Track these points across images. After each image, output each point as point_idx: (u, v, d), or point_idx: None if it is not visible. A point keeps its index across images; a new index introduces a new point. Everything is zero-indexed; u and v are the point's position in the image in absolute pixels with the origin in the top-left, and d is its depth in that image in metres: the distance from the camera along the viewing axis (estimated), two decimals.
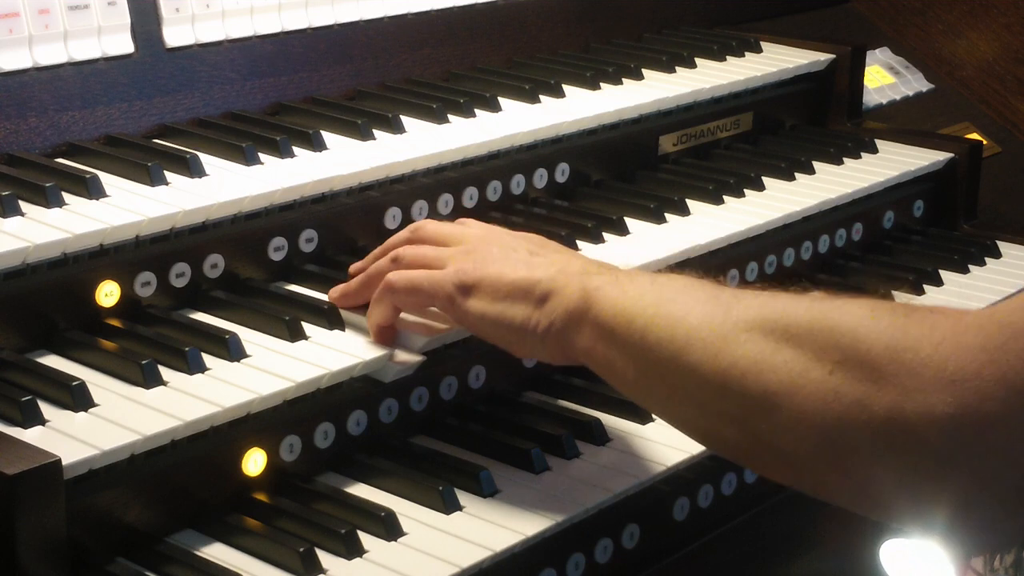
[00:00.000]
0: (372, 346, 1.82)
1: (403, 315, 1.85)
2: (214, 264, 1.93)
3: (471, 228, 1.85)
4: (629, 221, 2.26)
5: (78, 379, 1.66)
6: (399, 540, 1.66)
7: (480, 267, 1.74)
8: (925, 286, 2.48)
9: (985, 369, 1.34)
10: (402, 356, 1.82)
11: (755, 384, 1.47)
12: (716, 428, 1.55)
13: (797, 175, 2.57)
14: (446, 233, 1.84)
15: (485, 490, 1.75)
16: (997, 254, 2.64)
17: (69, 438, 1.57)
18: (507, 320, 1.71)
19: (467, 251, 1.78)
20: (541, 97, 2.41)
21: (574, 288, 1.67)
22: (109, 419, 1.62)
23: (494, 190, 2.25)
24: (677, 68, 2.66)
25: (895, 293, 2.41)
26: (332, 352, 1.80)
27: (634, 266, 2.12)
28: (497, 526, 1.69)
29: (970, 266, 2.57)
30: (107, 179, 1.92)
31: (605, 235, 2.21)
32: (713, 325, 1.53)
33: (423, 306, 1.82)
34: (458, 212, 2.19)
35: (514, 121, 2.30)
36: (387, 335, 1.83)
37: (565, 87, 2.47)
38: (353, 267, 1.92)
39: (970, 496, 1.37)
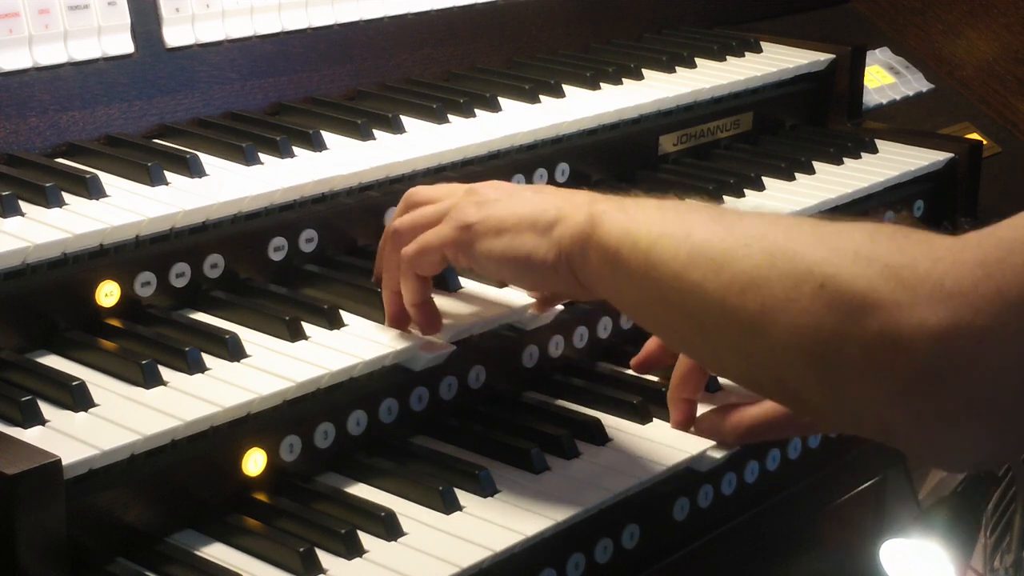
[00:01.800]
0: (371, 346, 1.82)
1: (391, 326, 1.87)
2: (214, 264, 1.93)
3: (459, 184, 1.85)
4: None
5: (78, 379, 1.66)
6: (399, 540, 1.66)
7: (483, 206, 1.74)
8: None
9: (981, 283, 1.34)
10: (432, 345, 1.84)
11: (752, 299, 1.47)
12: (714, 347, 1.56)
13: (797, 175, 2.57)
14: (438, 191, 1.84)
15: (485, 490, 1.75)
16: None
17: (69, 438, 1.57)
18: (514, 252, 1.70)
19: (467, 192, 1.78)
20: (541, 97, 2.41)
21: (580, 213, 1.66)
22: (109, 419, 1.62)
23: None
24: (677, 68, 2.66)
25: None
26: (332, 352, 1.80)
27: None
28: (497, 526, 1.69)
29: None
30: (107, 179, 1.92)
31: None
32: (715, 241, 1.53)
33: (438, 264, 1.80)
34: None
35: (514, 121, 2.31)
36: (426, 312, 1.82)
37: (565, 87, 2.47)
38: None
39: (958, 413, 1.36)
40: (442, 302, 1.90)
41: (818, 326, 1.42)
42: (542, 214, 1.69)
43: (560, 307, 1.88)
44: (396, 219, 1.84)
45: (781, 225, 1.53)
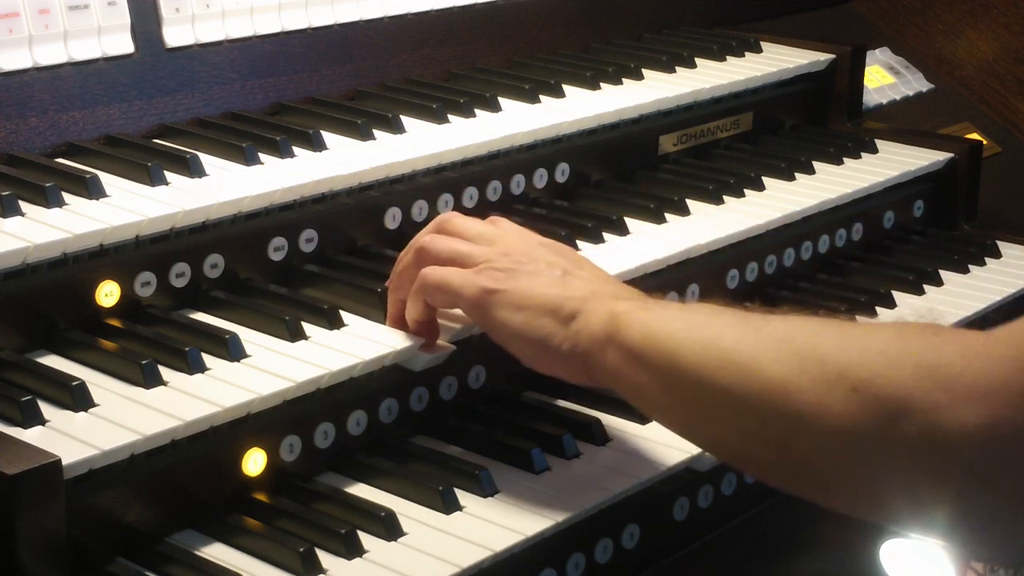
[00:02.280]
0: (371, 346, 1.82)
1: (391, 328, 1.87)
2: (214, 264, 1.93)
3: (501, 229, 1.83)
4: (629, 221, 2.26)
5: (78, 379, 1.66)
6: (399, 540, 1.66)
7: (512, 275, 1.73)
8: (925, 286, 2.48)
9: (1015, 378, 1.33)
10: (432, 345, 1.84)
11: (784, 405, 1.46)
12: (752, 450, 1.54)
13: (797, 175, 2.57)
14: (476, 231, 1.82)
15: (485, 490, 1.75)
16: (997, 254, 2.64)
17: (69, 438, 1.57)
18: (530, 333, 1.70)
19: (502, 254, 1.76)
20: (541, 97, 2.41)
21: (603, 311, 1.66)
22: (109, 419, 1.62)
23: (494, 190, 2.25)
24: (677, 68, 2.66)
25: (896, 294, 2.41)
26: (332, 352, 1.80)
27: (634, 266, 2.12)
28: (497, 526, 1.69)
29: (970, 266, 2.57)
30: (107, 179, 1.92)
31: (605, 235, 2.21)
32: (743, 347, 1.52)
33: (448, 305, 1.80)
34: (458, 213, 2.19)
35: (514, 121, 2.30)
36: (426, 329, 1.82)
37: (565, 87, 2.47)
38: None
39: (1011, 509, 1.36)
40: None
41: (854, 431, 1.41)
42: (566, 302, 1.69)
43: (452, 346, 1.86)
44: (428, 236, 1.83)
45: (808, 328, 1.52)
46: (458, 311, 1.84)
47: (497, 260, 1.75)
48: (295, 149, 2.10)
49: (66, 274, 1.79)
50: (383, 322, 1.88)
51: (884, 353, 1.42)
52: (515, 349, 1.74)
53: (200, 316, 1.89)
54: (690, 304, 1.67)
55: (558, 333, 1.68)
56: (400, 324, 1.85)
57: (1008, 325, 1.40)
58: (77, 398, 1.64)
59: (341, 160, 2.08)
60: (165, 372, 1.72)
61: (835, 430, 1.43)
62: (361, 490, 1.77)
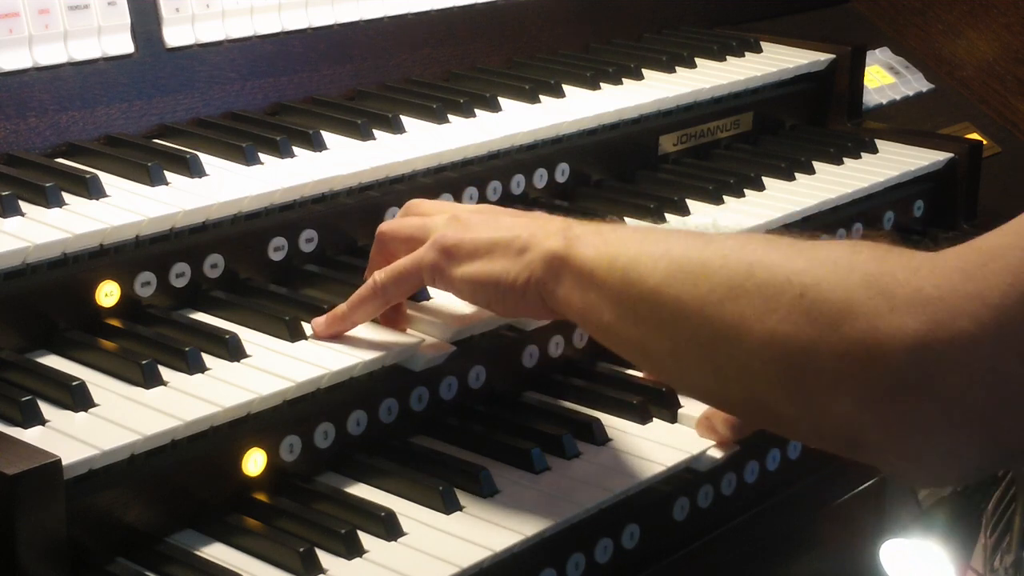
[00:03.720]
0: (371, 346, 1.82)
1: (433, 304, 1.89)
2: (214, 264, 1.93)
3: (460, 205, 1.87)
4: (629, 221, 2.26)
5: (78, 379, 1.66)
6: (399, 540, 1.66)
7: (461, 231, 1.74)
8: None
9: (960, 286, 1.32)
10: (433, 345, 1.84)
11: (730, 310, 1.46)
12: (687, 363, 1.55)
13: (797, 175, 2.57)
14: (434, 207, 1.86)
15: (485, 490, 1.75)
16: None
17: (69, 438, 1.57)
18: (486, 276, 1.71)
19: (449, 219, 1.78)
20: (541, 97, 2.41)
21: (554, 239, 1.67)
22: (109, 419, 1.62)
23: (494, 190, 2.25)
24: (677, 68, 2.66)
25: None
26: (332, 352, 1.80)
27: None
28: (497, 526, 1.69)
29: None
30: (107, 179, 1.92)
31: None
32: (692, 254, 1.53)
33: (413, 291, 1.83)
34: None
35: (514, 121, 2.31)
36: (395, 318, 1.85)
37: (565, 87, 2.47)
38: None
39: (934, 421, 1.34)
40: (443, 301, 1.90)
41: (795, 335, 1.41)
42: (515, 239, 1.70)
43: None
44: (384, 223, 1.87)
45: (760, 240, 1.53)
46: (458, 308, 1.85)
47: (446, 226, 1.77)
48: (295, 149, 2.10)
49: (66, 274, 1.79)
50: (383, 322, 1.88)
51: (833, 263, 1.42)
52: (478, 299, 1.76)
53: (200, 316, 1.89)
54: (645, 225, 1.67)
55: (511, 268, 1.69)
56: (389, 322, 1.86)
57: (957, 247, 1.39)
58: (77, 398, 1.64)
59: (341, 160, 2.08)
60: (165, 372, 1.72)
61: (774, 334, 1.42)
62: (361, 490, 1.77)
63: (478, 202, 2.22)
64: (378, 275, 1.80)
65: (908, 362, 1.33)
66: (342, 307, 1.84)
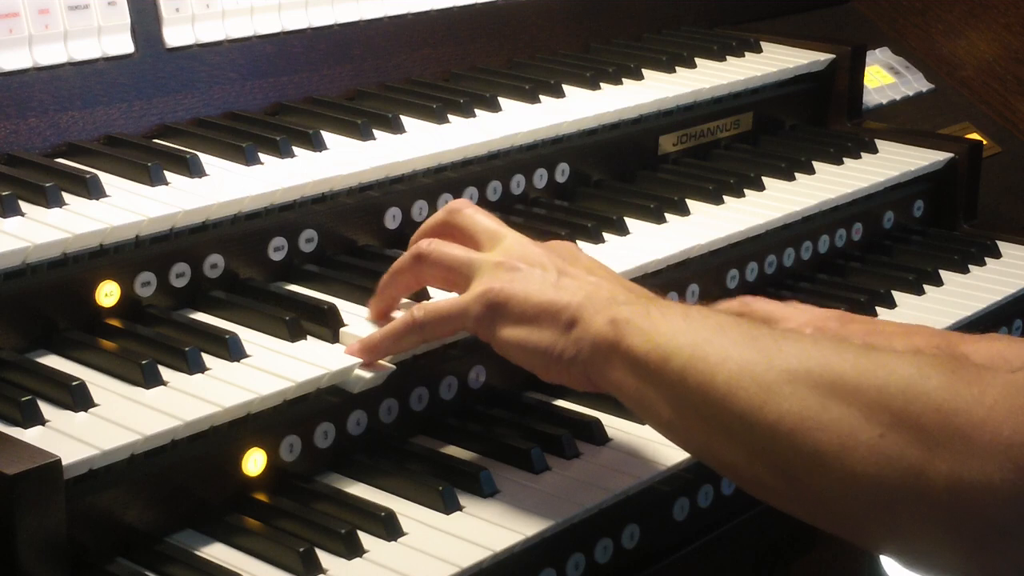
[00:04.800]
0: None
1: (372, 322, 1.86)
2: (214, 264, 1.93)
3: (506, 229, 1.79)
4: (629, 221, 2.26)
5: (78, 379, 1.66)
6: (399, 540, 1.66)
7: (508, 286, 1.70)
8: (925, 286, 2.48)
9: None
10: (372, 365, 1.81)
11: (804, 441, 1.43)
12: (761, 475, 1.51)
13: (797, 175, 2.57)
14: (481, 228, 1.80)
15: (485, 490, 1.75)
16: (997, 254, 2.64)
17: (69, 438, 1.57)
18: (533, 344, 1.68)
19: (496, 264, 1.73)
20: (541, 97, 2.41)
21: (602, 317, 1.63)
22: (109, 419, 1.62)
23: (494, 190, 2.25)
24: (677, 68, 2.66)
25: (896, 294, 2.41)
26: (332, 352, 1.80)
27: (635, 266, 2.12)
28: (497, 526, 1.69)
29: (970, 266, 2.57)
30: (107, 179, 1.92)
31: (605, 235, 2.21)
32: (755, 374, 1.49)
33: (454, 332, 1.80)
34: None
35: (514, 121, 2.30)
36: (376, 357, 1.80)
37: (565, 87, 2.47)
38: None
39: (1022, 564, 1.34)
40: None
41: (879, 477, 1.39)
42: (563, 310, 1.66)
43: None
44: (425, 241, 1.80)
45: (821, 353, 1.47)
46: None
47: (493, 274, 1.73)
48: (295, 149, 2.10)
49: (66, 274, 1.79)
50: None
51: (904, 394, 1.39)
52: (520, 361, 1.72)
53: (200, 316, 1.88)
54: (693, 310, 1.63)
55: (557, 342, 1.66)
56: (384, 321, 1.85)
57: None
58: (77, 398, 1.64)
59: (341, 160, 2.08)
60: (165, 372, 1.72)
61: (855, 474, 1.40)
62: (361, 490, 1.77)
63: (478, 202, 2.21)
64: (417, 312, 1.76)
65: (998, 511, 1.32)
66: (376, 336, 1.79)
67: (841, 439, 1.41)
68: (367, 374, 1.78)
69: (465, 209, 1.83)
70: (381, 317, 1.86)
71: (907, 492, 1.37)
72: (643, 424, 1.93)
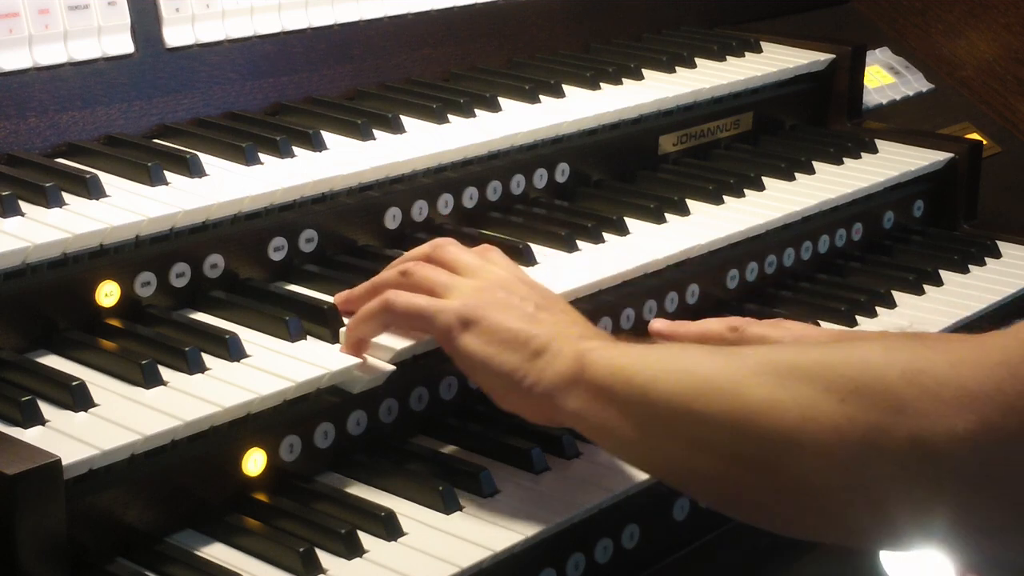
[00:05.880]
0: (371, 346, 1.82)
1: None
2: (214, 264, 1.93)
3: (490, 265, 1.81)
4: (629, 221, 2.26)
5: (78, 379, 1.66)
6: (399, 540, 1.66)
7: (483, 307, 1.71)
8: (925, 286, 2.48)
9: (1006, 384, 1.31)
10: (372, 365, 1.80)
11: (768, 424, 1.44)
12: (733, 474, 1.51)
13: (797, 175, 2.57)
14: (464, 262, 1.81)
15: (485, 490, 1.75)
16: (997, 254, 2.64)
17: (69, 438, 1.57)
18: (496, 366, 1.68)
19: (476, 288, 1.75)
20: (541, 97, 2.41)
21: (569, 350, 1.65)
22: (109, 419, 1.62)
23: (494, 190, 2.25)
24: (677, 68, 2.66)
25: (896, 293, 2.41)
26: (332, 352, 1.80)
27: (635, 266, 2.12)
28: (497, 526, 1.69)
29: (970, 266, 2.57)
30: (107, 179, 1.92)
31: (605, 235, 2.21)
32: (720, 377, 1.51)
33: (416, 330, 1.80)
34: (458, 212, 2.19)
35: (514, 121, 2.30)
36: (361, 348, 1.81)
37: (565, 87, 2.47)
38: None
39: (1001, 520, 1.34)
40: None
41: (843, 444, 1.39)
42: (533, 338, 1.67)
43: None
44: (413, 262, 1.81)
45: (787, 349, 1.51)
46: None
47: (469, 293, 1.74)
48: (295, 149, 2.10)
49: (66, 274, 1.79)
50: None
51: (867, 362, 1.41)
52: (480, 380, 1.73)
53: (200, 316, 1.89)
54: (658, 344, 1.65)
55: (522, 367, 1.67)
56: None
57: (995, 332, 1.38)
58: (77, 398, 1.64)
59: (341, 160, 2.08)
60: (165, 372, 1.72)
61: (823, 445, 1.40)
62: (361, 490, 1.77)
63: (478, 202, 2.22)
64: (393, 295, 1.77)
65: (963, 461, 1.33)
66: (351, 322, 1.81)
67: (803, 412, 1.42)
68: (367, 375, 1.78)
69: (450, 246, 1.84)
70: (359, 345, 1.83)
71: (871, 451, 1.37)
72: None
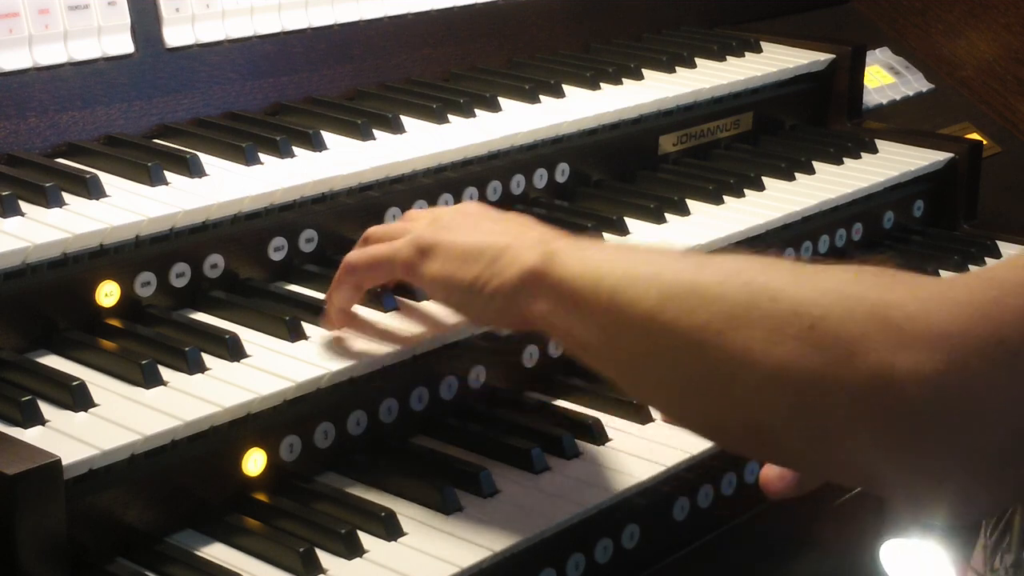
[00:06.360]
0: (371, 346, 1.82)
1: (387, 321, 1.85)
2: (214, 264, 1.93)
3: (440, 208, 1.85)
4: (629, 221, 2.26)
5: (78, 379, 1.66)
6: (399, 540, 1.66)
7: (438, 232, 1.73)
8: None
9: (976, 325, 1.28)
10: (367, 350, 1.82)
11: (732, 340, 1.40)
12: (686, 391, 1.48)
13: (797, 175, 2.57)
14: (414, 215, 1.84)
15: (485, 490, 1.76)
16: (997, 254, 2.64)
17: (69, 438, 1.57)
18: (458, 280, 1.68)
19: (430, 220, 1.77)
20: (541, 97, 2.41)
21: (531, 251, 1.63)
22: (109, 419, 1.62)
23: (494, 190, 2.25)
24: (677, 68, 2.66)
25: None
26: (332, 352, 1.80)
27: None
28: (497, 526, 1.69)
29: (970, 266, 2.57)
30: (107, 179, 1.92)
31: (605, 235, 2.21)
32: (686, 281, 1.46)
33: (385, 278, 1.82)
34: None
35: (514, 121, 2.31)
36: (346, 318, 1.82)
37: (565, 87, 2.47)
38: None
39: (948, 462, 1.30)
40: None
41: (805, 369, 1.35)
42: (491, 246, 1.67)
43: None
44: (350, 253, 1.83)
45: (757, 263, 1.46)
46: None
47: (425, 227, 1.75)
48: (295, 149, 2.10)
49: (66, 274, 1.79)
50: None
51: (839, 292, 1.37)
52: (447, 301, 1.74)
53: (200, 316, 1.89)
54: (626, 243, 1.62)
55: (483, 274, 1.66)
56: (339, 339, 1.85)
57: (964, 274, 1.37)
58: (77, 398, 1.64)
59: (341, 160, 2.08)
60: (165, 372, 1.72)
61: (782, 368, 1.36)
62: (361, 490, 1.77)
63: (478, 202, 2.22)
64: (351, 255, 1.79)
65: (924, 401, 1.29)
66: (327, 294, 1.83)
67: (768, 333, 1.38)
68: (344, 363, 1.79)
69: (373, 228, 1.85)
70: (342, 315, 1.85)
71: (831, 381, 1.33)
72: (644, 424, 1.93)
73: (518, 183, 2.30)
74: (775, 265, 1.45)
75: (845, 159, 2.68)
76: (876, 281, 1.38)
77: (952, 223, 2.75)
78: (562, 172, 2.37)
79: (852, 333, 1.33)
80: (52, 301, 1.78)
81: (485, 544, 1.65)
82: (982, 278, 1.33)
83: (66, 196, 1.87)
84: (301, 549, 1.59)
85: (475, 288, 1.67)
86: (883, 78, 3.17)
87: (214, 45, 2.25)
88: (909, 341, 1.30)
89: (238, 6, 2.26)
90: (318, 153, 2.10)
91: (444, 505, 1.72)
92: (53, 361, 1.75)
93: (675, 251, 1.57)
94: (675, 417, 1.59)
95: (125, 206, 1.86)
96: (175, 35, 2.20)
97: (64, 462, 1.50)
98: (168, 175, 1.96)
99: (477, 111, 2.32)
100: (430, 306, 1.88)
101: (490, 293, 1.65)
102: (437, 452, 1.84)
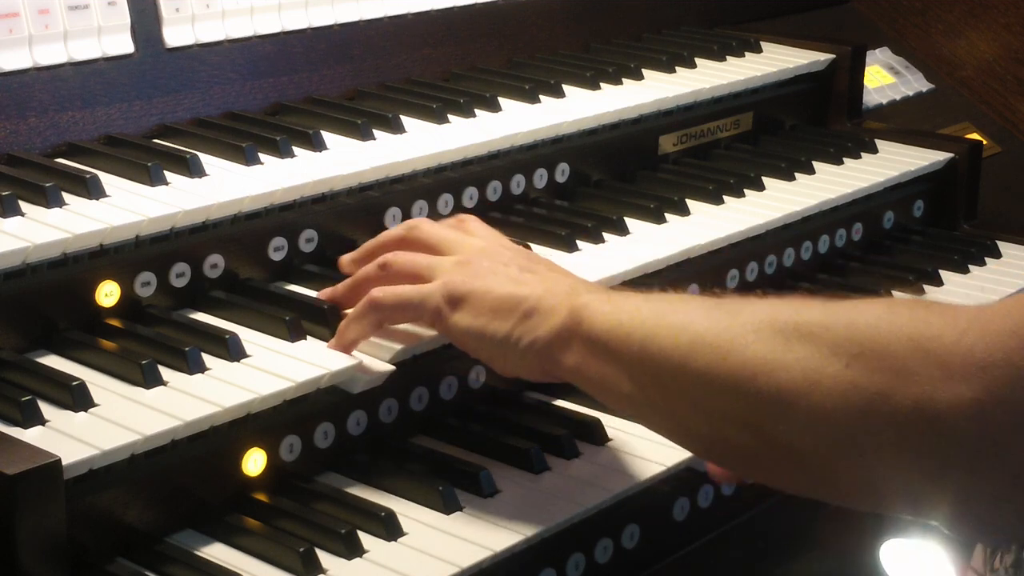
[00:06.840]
0: (371, 346, 1.82)
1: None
2: (214, 264, 1.93)
3: (469, 236, 1.82)
4: (629, 221, 2.26)
5: (78, 379, 1.66)
6: (399, 540, 1.66)
7: (469, 281, 1.72)
8: (925, 286, 2.48)
9: (1015, 354, 1.29)
10: (372, 366, 1.80)
11: (767, 384, 1.42)
12: (724, 434, 1.50)
13: (797, 175, 2.57)
14: (441, 239, 1.82)
15: (485, 490, 1.76)
16: (997, 254, 2.64)
17: (69, 438, 1.57)
18: (490, 334, 1.69)
19: (458, 263, 1.76)
20: (541, 97, 2.41)
21: (562, 306, 1.65)
22: (109, 419, 1.62)
23: (494, 190, 2.25)
24: (677, 68, 2.66)
25: (896, 293, 2.41)
26: (332, 352, 1.80)
27: (635, 266, 2.12)
28: (497, 526, 1.69)
29: (970, 266, 2.57)
30: (107, 179, 1.92)
31: (605, 235, 2.21)
32: (719, 328, 1.49)
33: (410, 321, 1.81)
34: (458, 212, 2.19)
35: (514, 121, 2.30)
36: (352, 348, 1.81)
37: (565, 87, 2.47)
38: (343, 258, 1.91)
39: (1001, 489, 1.32)
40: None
41: (846, 408, 1.37)
42: (522, 301, 1.68)
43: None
44: (392, 253, 1.82)
45: (790, 306, 1.47)
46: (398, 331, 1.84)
47: (452, 271, 1.75)
48: (295, 149, 2.10)
49: (66, 274, 1.79)
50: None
51: (874, 328, 1.38)
52: (478, 352, 1.74)
53: (200, 316, 1.89)
54: (652, 293, 1.64)
55: (515, 330, 1.68)
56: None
57: (1001, 301, 1.37)
58: (77, 398, 1.64)
59: (341, 160, 2.08)
60: (165, 372, 1.72)
61: (821, 408, 1.38)
62: (361, 490, 1.77)
63: (478, 202, 2.22)
64: (378, 292, 1.77)
65: (969, 432, 1.31)
66: (342, 323, 1.81)
67: (806, 375, 1.39)
68: (367, 375, 1.78)
69: (423, 224, 1.85)
70: (353, 347, 1.82)
71: (873, 418, 1.35)
72: None
73: (518, 183, 2.30)
74: (808, 305, 1.46)
75: (845, 159, 2.68)
76: (912, 314, 1.38)
77: (952, 223, 2.75)
78: (562, 172, 2.37)
79: (890, 368, 1.35)
80: (52, 301, 1.78)
81: (485, 544, 1.65)
82: (1019, 304, 1.33)
83: (66, 196, 1.87)
84: (301, 549, 1.59)
85: (507, 344, 1.68)
86: (883, 78, 3.17)
87: (214, 45, 2.25)
88: (949, 373, 1.31)
89: (238, 6, 2.26)
90: (318, 153, 2.10)
91: (444, 505, 1.72)
92: (53, 361, 1.75)
93: (701, 299, 1.59)
94: (714, 459, 1.62)
95: (125, 206, 1.86)
96: (175, 35, 2.20)
97: (64, 462, 1.50)
98: (168, 175, 1.96)
99: (477, 111, 2.32)
100: None
101: (523, 350, 1.68)
102: (437, 452, 1.84)
